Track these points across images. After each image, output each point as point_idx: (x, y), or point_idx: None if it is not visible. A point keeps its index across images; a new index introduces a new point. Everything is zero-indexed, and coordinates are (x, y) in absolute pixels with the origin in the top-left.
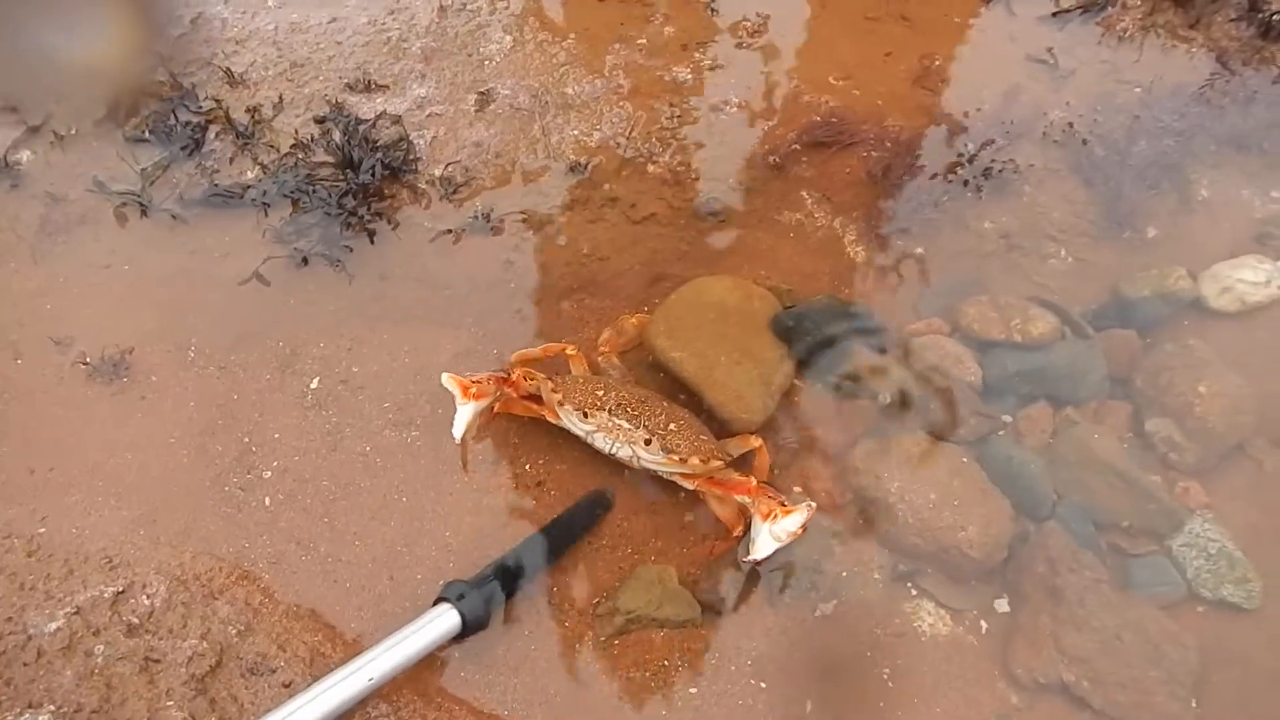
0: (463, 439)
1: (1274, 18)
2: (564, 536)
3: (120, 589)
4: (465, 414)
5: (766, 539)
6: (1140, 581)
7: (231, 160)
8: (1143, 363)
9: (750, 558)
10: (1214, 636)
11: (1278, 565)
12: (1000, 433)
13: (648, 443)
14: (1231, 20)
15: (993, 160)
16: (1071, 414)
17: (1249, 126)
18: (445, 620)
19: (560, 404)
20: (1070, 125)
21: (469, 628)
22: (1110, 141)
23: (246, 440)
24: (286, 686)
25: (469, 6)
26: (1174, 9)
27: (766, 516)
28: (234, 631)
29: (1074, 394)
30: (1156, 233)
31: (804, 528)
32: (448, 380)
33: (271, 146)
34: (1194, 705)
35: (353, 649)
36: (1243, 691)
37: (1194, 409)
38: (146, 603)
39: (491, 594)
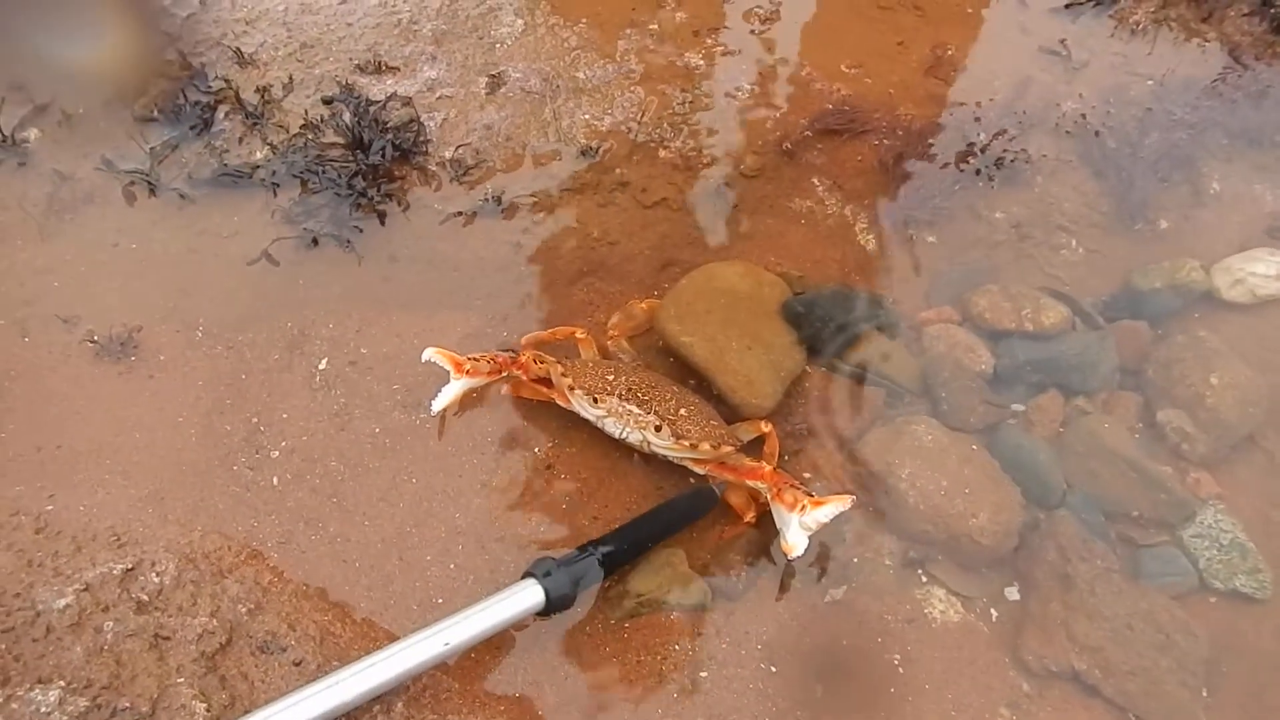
0: (441, 414)
1: None
2: (666, 526)
3: (129, 566)
4: (453, 389)
5: (798, 532)
6: (1150, 571)
7: (241, 140)
8: (1154, 354)
9: (794, 555)
10: (1226, 626)
11: None
12: (1011, 421)
13: (658, 429)
14: (1244, 15)
15: (1004, 150)
16: (1082, 404)
17: (1261, 121)
18: (529, 595)
19: (570, 388)
20: (1083, 117)
21: (552, 605)
22: (1122, 134)
23: (254, 420)
24: (297, 665)
25: None
26: (1186, 3)
27: (793, 507)
28: (244, 610)
29: (1084, 384)
30: (1168, 225)
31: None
32: (435, 354)
33: (281, 127)
34: (1204, 694)
35: (361, 629)
36: (1255, 680)
37: (1205, 400)
38: (156, 580)
39: (581, 574)
